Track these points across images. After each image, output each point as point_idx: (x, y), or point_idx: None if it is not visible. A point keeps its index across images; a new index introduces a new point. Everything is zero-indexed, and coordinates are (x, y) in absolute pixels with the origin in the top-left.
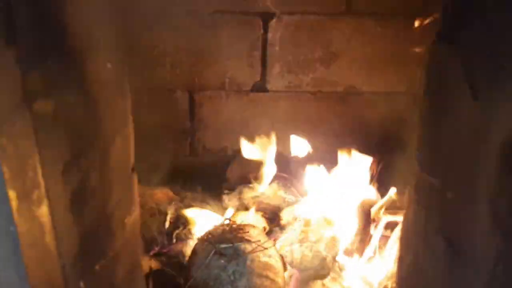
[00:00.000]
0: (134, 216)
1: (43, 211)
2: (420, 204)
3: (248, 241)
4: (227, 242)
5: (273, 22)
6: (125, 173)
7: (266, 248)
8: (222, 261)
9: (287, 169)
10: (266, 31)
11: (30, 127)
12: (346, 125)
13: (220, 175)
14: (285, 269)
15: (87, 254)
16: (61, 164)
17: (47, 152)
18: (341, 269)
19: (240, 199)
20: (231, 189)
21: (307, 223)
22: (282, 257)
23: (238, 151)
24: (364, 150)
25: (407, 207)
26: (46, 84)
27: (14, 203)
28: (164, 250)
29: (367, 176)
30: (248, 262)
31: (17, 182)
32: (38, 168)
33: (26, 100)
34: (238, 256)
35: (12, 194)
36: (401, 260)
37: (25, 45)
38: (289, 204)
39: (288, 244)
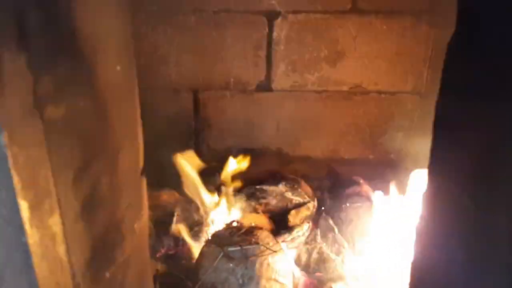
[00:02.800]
0: (143, 221)
1: (55, 220)
2: (437, 210)
3: (257, 243)
4: (235, 244)
5: (278, 21)
6: (135, 178)
7: (275, 251)
8: (231, 264)
9: (294, 172)
10: (271, 30)
11: (42, 134)
12: (352, 125)
13: None
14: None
15: (97, 261)
16: (72, 171)
17: (59, 159)
18: (351, 273)
19: (247, 200)
20: (238, 190)
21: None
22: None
23: (243, 151)
24: (370, 150)
25: (422, 212)
26: (57, 89)
27: (25, 214)
28: (171, 252)
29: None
30: (257, 266)
31: (29, 192)
32: (49, 176)
33: (37, 106)
34: (246, 259)
35: (23, 204)
36: (415, 266)
37: (37, 51)
38: (296, 205)
39: (295, 246)
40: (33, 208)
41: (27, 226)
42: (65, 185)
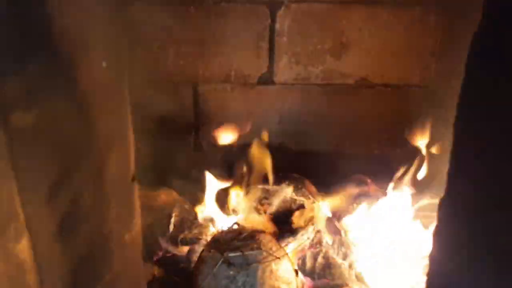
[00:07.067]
0: (135, 231)
1: (23, 246)
2: (457, 215)
3: (259, 249)
4: (236, 250)
5: (281, 11)
6: (124, 185)
7: (278, 258)
8: (231, 271)
9: (297, 167)
10: (273, 20)
11: (4, 146)
12: (357, 119)
13: (226, 172)
14: (297, 279)
15: (80, 284)
16: (46, 186)
17: (28, 175)
18: (358, 278)
19: (248, 200)
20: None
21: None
22: (294, 266)
23: (244, 146)
24: (375, 145)
25: (439, 216)
26: (27, 91)
27: None
28: (168, 255)
29: None
30: (259, 273)
31: None
32: (15, 196)
33: (0, 113)
34: (248, 265)
35: None
36: (432, 275)
37: (1, 48)
38: (300, 206)
39: (299, 250)
40: None
41: None
42: (37, 204)
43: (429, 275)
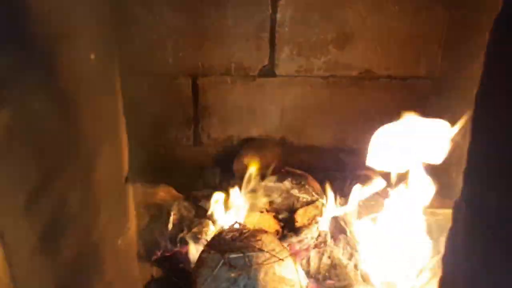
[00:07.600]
0: (129, 234)
1: None
2: (474, 226)
3: (261, 250)
4: (237, 251)
5: (282, 1)
6: (117, 186)
7: (281, 259)
8: (232, 274)
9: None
10: (274, 10)
11: None
12: (361, 112)
13: (227, 167)
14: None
15: None
16: (24, 194)
17: (2, 181)
18: (364, 279)
19: (250, 197)
20: (239, 184)
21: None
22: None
23: (245, 140)
24: None
25: (454, 217)
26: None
27: None
28: (168, 255)
29: None
30: (261, 275)
31: None
32: None
33: None
34: (249, 267)
35: None
36: (445, 277)
37: None
38: (304, 204)
39: (303, 250)
40: None
41: None
42: (13, 214)
43: (443, 276)
